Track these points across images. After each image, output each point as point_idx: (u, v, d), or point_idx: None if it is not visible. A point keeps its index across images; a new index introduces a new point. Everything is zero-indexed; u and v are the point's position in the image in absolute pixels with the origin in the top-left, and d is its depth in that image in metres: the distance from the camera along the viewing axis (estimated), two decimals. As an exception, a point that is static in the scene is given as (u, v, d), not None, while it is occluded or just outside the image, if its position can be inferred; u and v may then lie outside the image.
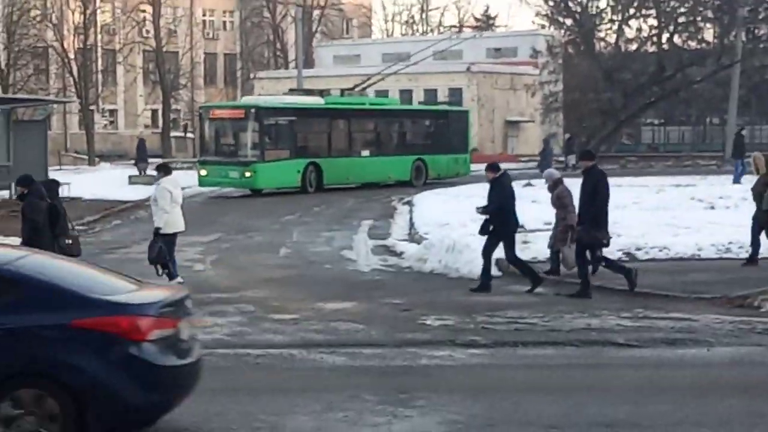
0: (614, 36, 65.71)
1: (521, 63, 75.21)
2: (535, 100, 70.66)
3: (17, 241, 22.77)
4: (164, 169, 16.87)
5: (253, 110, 36.80)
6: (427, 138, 43.52)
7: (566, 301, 15.09)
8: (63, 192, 33.23)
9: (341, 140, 39.96)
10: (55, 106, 62.11)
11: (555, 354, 11.96)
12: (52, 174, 35.50)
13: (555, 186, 17.32)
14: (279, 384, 10.81)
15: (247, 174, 35.86)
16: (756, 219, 17.79)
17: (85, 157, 61.23)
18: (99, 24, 69.37)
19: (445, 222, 23.96)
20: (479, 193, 32.32)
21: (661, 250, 19.07)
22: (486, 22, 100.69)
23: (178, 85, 70.75)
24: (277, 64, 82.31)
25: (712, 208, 26.99)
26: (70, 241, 14.35)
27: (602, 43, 66.36)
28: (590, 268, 15.76)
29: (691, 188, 33.56)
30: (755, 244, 17.75)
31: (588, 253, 15.59)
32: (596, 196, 15.34)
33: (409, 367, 11.36)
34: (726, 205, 27.18)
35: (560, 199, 17.06)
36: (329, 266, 19.08)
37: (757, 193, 17.77)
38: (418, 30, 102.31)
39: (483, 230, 16.29)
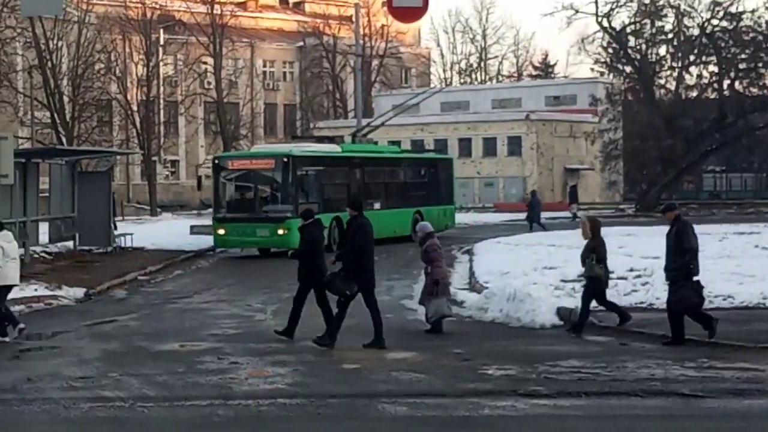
0: (674, 83, 65.54)
1: (580, 111, 75.23)
2: (595, 148, 70.54)
3: (81, 291, 23.11)
4: None
5: (284, 159, 32.83)
6: (421, 189, 40.07)
7: (630, 350, 14.94)
8: (126, 242, 33.91)
9: (359, 192, 36.05)
10: (118, 157, 63.06)
11: (618, 404, 11.81)
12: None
13: (425, 240, 17.23)
14: (341, 434, 10.79)
15: (280, 231, 31.76)
16: (585, 286, 17.07)
17: (147, 207, 61.99)
18: (161, 76, 70.52)
19: (505, 271, 23.88)
20: (541, 242, 32.45)
21: (725, 299, 18.80)
22: (545, 70, 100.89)
23: (239, 136, 71.56)
24: (337, 114, 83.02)
25: (777, 255, 26.63)
26: None
27: (662, 90, 66.15)
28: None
29: (755, 236, 33.15)
30: (583, 313, 16.75)
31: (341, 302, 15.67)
32: (353, 245, 15.52)
33: (471, 417, 11.27)
34: (791, 252, 26.78)
35: (427, 253, 17.11)
36: (390, 315, 19.02)
37: (582, 258, 16.99)
38: (476, 79, 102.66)
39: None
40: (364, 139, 41.82)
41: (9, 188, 26.86)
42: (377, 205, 36.74)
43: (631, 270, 22.59)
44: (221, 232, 33.37)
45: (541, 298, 18.20)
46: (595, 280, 16.71)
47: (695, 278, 15.36)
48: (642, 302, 18.94)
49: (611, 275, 21.97)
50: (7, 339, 16.72)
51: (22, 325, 17.00)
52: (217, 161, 35.07)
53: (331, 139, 39.05)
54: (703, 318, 15.34)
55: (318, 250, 16.57)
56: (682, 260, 15.24)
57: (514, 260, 26.52)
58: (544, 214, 45.32)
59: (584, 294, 16.97)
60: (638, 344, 15.46)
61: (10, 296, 17.53)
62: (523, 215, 48.37)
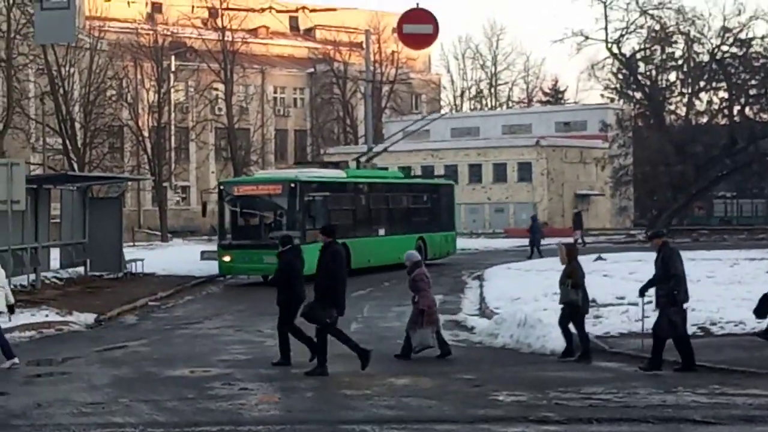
0: (684, 109, 65.54)
1: (591, 137, 75.27)
2: (605, 174, 70.51)
3: (91, 317, 23.14)
4: None
5: (292, 185, 32.19)
6: (424, 214, 39.88)
7: (641, 377, 14.90)
8: (137, 268, 33.96)
9: (364, 218, 36.39)
10: (129, 183, 63.25)
11: (630, 431, 11.77)
12: (127, 251, 36.02)
13: (413, 269, 17.22)
14: (351, 460, 10.76)
15: None
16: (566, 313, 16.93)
17: (158, 233, 62.09)
18: (173, 103, 70.78)
19: (516, 296, 23.88)
20: (552, 267, 32.36)
21: (736, 325, 18.76)
22: (555, 96, 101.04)
23: (250, 162, 71.73)
24: (347, 140, 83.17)
25: (788, 281, 26.50)
26: None
27: (672, 116, 66.16)
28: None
29: (766, 262, 33.06)
30: (583, 338, 16.60)
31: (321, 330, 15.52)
32: (327, 272, 15.41)
33: (481, 443, 11.25)
34: (802, 278, 26.67)
35: (415, 282, 17.10)
36: (400, 341, 19.02)
37: (559, 284, 16.96)
38: (486, 105, 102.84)
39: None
40: (368, 165, 41.67)
41: (21, 214, 26.94)
42: (382, 231, 36.71)
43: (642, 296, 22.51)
44: (227, 259, 32.65)
45: (551, 324, 18.16)
46: (572, 306, 16.69)
47: (684, 306, 15.33)
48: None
49: (622, 301, 22.07)
50: (17, 361, 16.67)
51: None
52: (222, 187, 34.46)
53: (335, 165, 38.86)
54: (684, 349, 15.25)
55: (296, 277, 16.50)
56: (667, 286, 15.25)
57: (524, 286, 26.51)
58: (550, 240, 45.24)
59: (573, 323, 16.97)
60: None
61: (21, 322, 17.49)
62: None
